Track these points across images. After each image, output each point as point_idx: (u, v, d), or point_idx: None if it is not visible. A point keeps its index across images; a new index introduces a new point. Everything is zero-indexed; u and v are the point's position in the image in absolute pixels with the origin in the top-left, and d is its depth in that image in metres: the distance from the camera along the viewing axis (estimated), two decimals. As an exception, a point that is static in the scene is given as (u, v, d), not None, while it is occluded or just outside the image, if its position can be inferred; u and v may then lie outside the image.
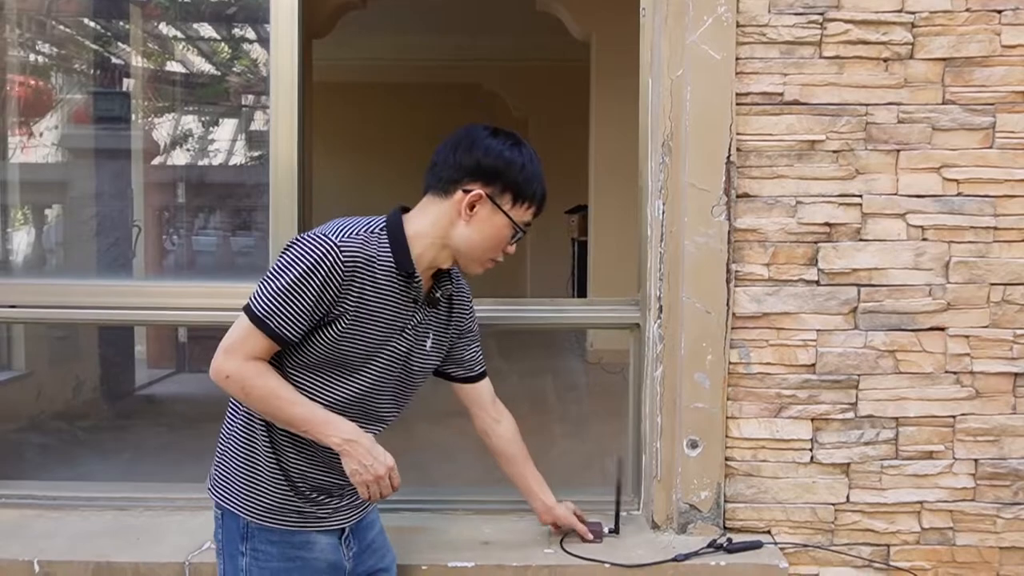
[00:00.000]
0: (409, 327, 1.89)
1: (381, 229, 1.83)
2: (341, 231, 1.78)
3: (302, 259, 1.74)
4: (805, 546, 2.48)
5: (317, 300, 1.75)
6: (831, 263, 2.43)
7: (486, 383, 2.20)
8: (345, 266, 1.75)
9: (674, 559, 2.30)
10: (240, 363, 1.77)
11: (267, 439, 1.85)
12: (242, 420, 1.88)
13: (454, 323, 2.06)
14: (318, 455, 1.87)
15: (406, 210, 1.90)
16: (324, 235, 1.76)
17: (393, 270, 1.82)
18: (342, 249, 1.75)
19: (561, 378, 5.72)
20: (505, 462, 2.25)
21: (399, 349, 1.89)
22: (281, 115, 2.50)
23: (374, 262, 1.79)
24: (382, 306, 1.82)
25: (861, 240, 2.43)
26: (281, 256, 1.79)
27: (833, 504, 2.48)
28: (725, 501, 2.48)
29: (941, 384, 2.46)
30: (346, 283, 1.76)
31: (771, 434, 2.47)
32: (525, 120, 9.73)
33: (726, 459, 2.47)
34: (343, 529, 1.95)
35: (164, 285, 2.72)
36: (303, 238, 1.78)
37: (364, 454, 1.78)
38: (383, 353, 1.86)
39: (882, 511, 2.48)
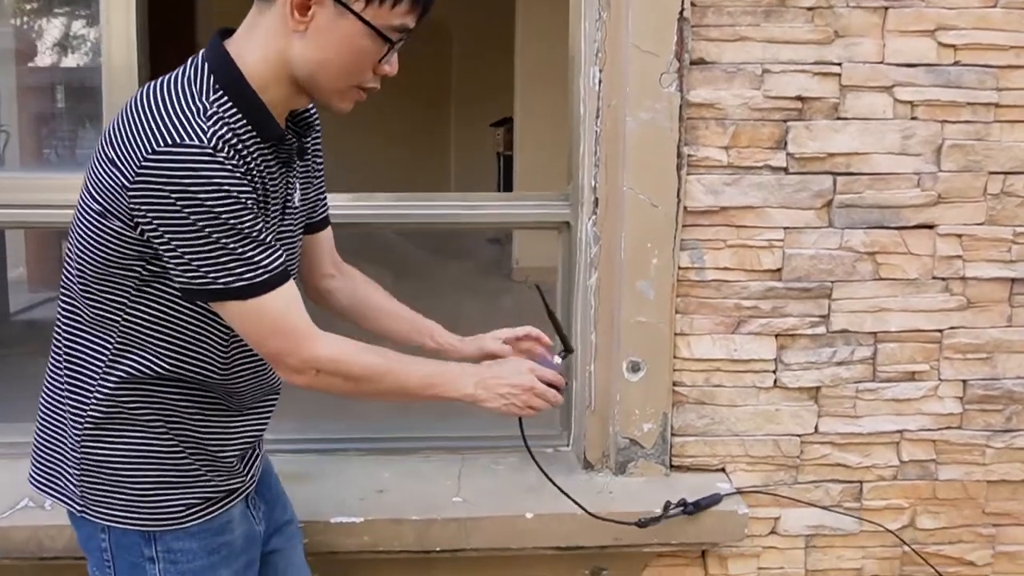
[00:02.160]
0: (289, 196, 1.43)
1: (215, 88, 1.28)
2: (182, 116, 1.24)
3: (196, 184, 1.21)
4: (765, 487, 2.09)
5: (254, 207, 1.27)
6: (803, 146, 2.00)
7: (329, 232, 1.67)
8: (228, 153, 1.24)
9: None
10: (319, 343, 1.33)
11: (161, 422, 1.39)
12: (100, 415, 1.37)
13: (312, 161, 1.55)
14: (240, 403, 1.46)
15: (228, 33, 1.36)
16: (174, 134, 1.22)
17: (252, 135, 1.30)
18: (211, 137, 1.23)
19: (483, 299, 5.27)
20: (370, 314, 1.67)
21: (290, 228, 1.45)
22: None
23: (235, 133, 1.28)
24: (265, 188, 1.34)
25: (839, 118, 1.99)
26: (158, 201, 1.22)
27: (799, 436, 2.09)
28: (672, 434, 2.06)
29: (928, 292, 2.06)
30: (243, 170, 1.27)
31: (728, 354, 2.05)
32: (449, 30, 9.18)
33: (674, 384, 2.05)
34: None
35: (45, 177, 2.21)
36: (158, 157, 1.21)
37: (497, 384, 1.44)
38: (282, 242, 1.41)
39: (856, 443, 2.10)
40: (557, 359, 1.60)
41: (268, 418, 1.53)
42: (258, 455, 1.57)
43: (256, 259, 1.26)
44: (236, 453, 1.47)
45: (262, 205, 1.32)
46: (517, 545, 1.90)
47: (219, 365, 1.39)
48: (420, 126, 9.78)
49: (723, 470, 2.09)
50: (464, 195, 2.16)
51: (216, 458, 1.44)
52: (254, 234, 1.26)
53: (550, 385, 1.48)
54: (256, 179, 1.29)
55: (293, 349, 1.31)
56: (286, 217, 1.42)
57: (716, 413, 2.07)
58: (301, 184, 1.50)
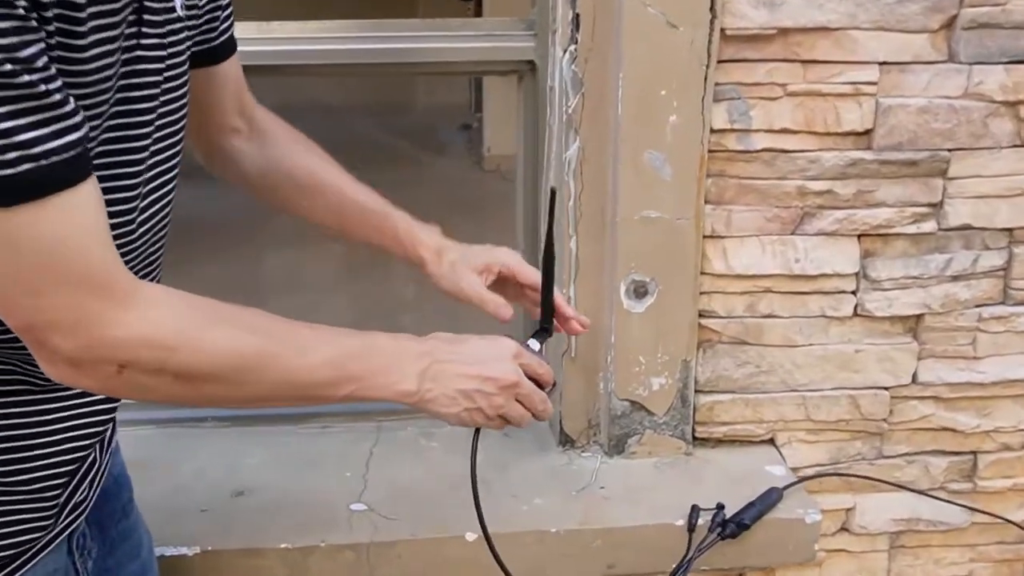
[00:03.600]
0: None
1: None
2: None
3: None
4: (835, 466, 1.39)
5: (32, 21, 0.63)
6: (913, -75, 1.23)
7: (236, 63, 1.03)
8: None
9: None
10: (135, 309, 0.70)
11: None
12: None
13: None
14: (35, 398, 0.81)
15: None
16: None
17: None
18: None
19: (450, 190, 4.61)
20: (296, 187, 1.08)
21: (160, 57, 0.81)
22: None
23: None
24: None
25: None
26: None
27: (888, 388, 1.39)
28: (697, 391, 1.35)
29: (1095, 165, 1.33)
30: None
31: (784, 266, 1.32)
32: None
33: (700, 315, 1.33)
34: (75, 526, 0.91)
35: None
36: None
37: (459, 374, 0.89)
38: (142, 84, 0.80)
39: (972, 396, 1.41)
40: (533, 342, 0.96)
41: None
42: (99, 467, 0.92)
43: (14, 133, 0.62)
44: (57, 472, 0.84)
45: (59, 15, 0.67)
46: (453, 582, 1.20)
47: None
48: (382, 3, 9.01)
49: (772, 442, 1.40)
50: (372, 22, 1.39)
51: (10, 487, 0.82)
52: (17, 82, 0.62)
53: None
54: None
55: (78, 321, 0.68)
56: (147, 38, 0.80)
57: (764, 358, 1.35)
58: None
